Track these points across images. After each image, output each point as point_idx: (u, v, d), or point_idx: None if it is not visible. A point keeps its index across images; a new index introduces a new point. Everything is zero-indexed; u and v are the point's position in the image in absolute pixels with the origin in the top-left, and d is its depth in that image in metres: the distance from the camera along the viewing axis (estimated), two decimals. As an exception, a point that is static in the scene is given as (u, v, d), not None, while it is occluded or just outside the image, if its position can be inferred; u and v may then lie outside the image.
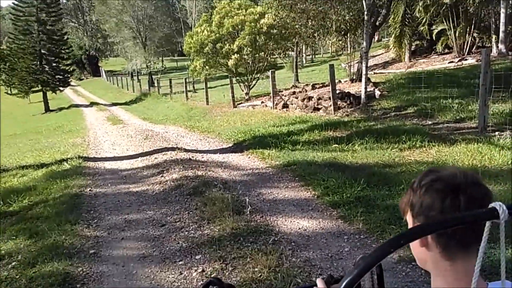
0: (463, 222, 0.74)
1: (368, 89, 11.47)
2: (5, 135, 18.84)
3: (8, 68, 35.62)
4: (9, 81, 35.15)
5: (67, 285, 3.46)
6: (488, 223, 0.67)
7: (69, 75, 33.79)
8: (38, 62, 30.37)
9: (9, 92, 36.68)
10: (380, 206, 4.50)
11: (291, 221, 4.49)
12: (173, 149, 8.89)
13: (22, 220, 5.15)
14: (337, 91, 11.56)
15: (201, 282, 3.40)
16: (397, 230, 3.89)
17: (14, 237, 4.59)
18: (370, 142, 7.36)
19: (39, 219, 5.06)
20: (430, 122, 8.65)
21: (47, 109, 30.37)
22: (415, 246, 0.93)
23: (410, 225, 0.97)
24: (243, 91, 18.91)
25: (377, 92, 11.91)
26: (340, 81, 15.36)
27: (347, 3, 13.76)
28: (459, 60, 15.64)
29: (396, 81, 13.04)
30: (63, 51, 32.55)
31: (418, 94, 10.36)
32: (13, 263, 3.92)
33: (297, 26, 15.87)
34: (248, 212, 4.68)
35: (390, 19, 17.04)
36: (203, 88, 19.79)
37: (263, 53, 18.10)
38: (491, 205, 0.68)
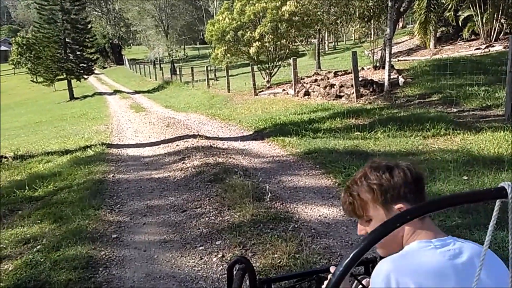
0: (473, 200, 0.77)
1: (391, 76, 11.26)
2: (31, 122, 19.29)
3: (33, 56, 36.36)
4: (34, 69, 35.88)
5: (90, 268, 3.53)
6: (498, 202, 0.68)
7: (93, 64, 34.22)
8: (63, 51, 30.81)
9: (34, 80, 37.44)
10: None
11: (311, 208, 4.47)
12: (194, 136, 8.94)
13: (47, 205, 5.26)
14: (360, 79, 11.39)
15: (221, 267, 3.43)
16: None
17: (39, 222, 4.70)
18: (393, 130, 7.24)
19: (63, 204, 5.17)
20: (455, 110, 8.46)
21: (72, 97, 30.88)
22: (382, 221, 0.98)
23: (375, 217, 1.13)
24: (264, 78, 18.83)
25: (401, 80, 11.69)
26: (363, 68, 15.13)
27: (371, -12, 13.49)
28: (486, 47, 15.20)
29: (420, 68, 12.76)
30: (87, 40, 32.93)
31: (443, 82, 10.13)
32: (38, 247, 4.01)
33: (319, 13, 15.67)
34: (268, 199, 4.68)
35: (415, 5, 16.63)
36: (225, 76, 19.79)
37: (284, 40, 17.93)
38: (501, 184, 0.69)
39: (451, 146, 6.16)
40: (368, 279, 1.44)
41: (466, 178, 4.70)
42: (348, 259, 0.76)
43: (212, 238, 3.95)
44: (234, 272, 1.45)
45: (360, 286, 1.40)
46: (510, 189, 0.70)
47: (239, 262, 1.53)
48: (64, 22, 30.56)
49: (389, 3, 11.15)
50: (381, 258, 1.16)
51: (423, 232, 1.11)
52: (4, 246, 4.11)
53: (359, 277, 1.43)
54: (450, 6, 16.64)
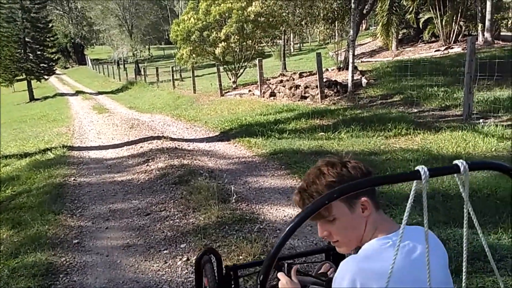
0: (394, 181, 0.90)
1: (355, 78, 11.47)
2: (-11, 125, 18.54)
3: (-9, 56, 35.02)
4: (-8, 69, 34.56)
5: (50, 275, 3.42)
6: (414, 183, 0.80)
7: (54, 64, 33.29)
8: (23, 50, 29.84)
9: (-8, 80, 36.02)
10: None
11: (276, 209, 4.49)
12: (159, 138, 8.83)
13: (5, 210, 5.08)
14: (324, 80, 11.54)
15: (186, 271, 3.40)
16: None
17: (-4, 228, 4.52)
18: (356, 130, 7.37)
19: (22, 209, 5.00)
20: (415, 110, 8.70)
21: (32, 98, 29.92)
22: (347, 219, 1.15)
23: (339, 215, 1.16)
24: (230, 79, 18.81)
25: (364, 81, 11.92)
26: (327, 70, 15.34)
27: (335, -9, 13.70)
28: (446, 49, 15.70)
29: (383, 69, 13.05)
30: (47, 39, 32.04)
31: (404, 82, 10.40)
32: (-5, 254, 3.87)
33: (284, 14, 15.78)
34: (233, 201, 4.67)
35: (378, 7, 17.03)
36: (190, 77, 19.63)
37: (250, 41, 17.97)
38: (416, 168, 0.81)
39: (412, 145, 6.32)
40: (327, 264, 1.50)
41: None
42: (284, 233, 0.86)
43: (176, 241, 3.91)
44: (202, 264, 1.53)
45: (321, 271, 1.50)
46: (423, 172, 0.82)
47: (207, 253, 1.60)
48: (24, 20, 29.64)
49: (352, 5, 11.35)
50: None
51: (381, 226, 1.16)
52: (-42, 254, 3.93)
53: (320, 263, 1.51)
54: (411, 9, 17.11)
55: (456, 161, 0.84)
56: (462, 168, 0.82)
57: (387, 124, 7.39)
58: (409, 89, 9.89)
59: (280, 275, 1.39)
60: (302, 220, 0.85)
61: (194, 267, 1.37)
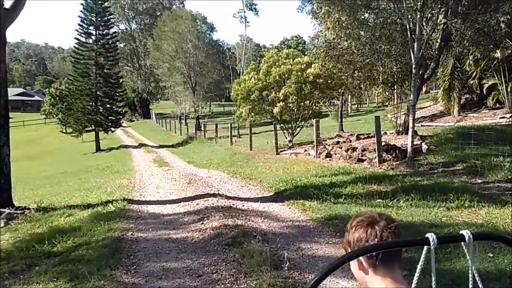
0: (405, 245, 1.04)
1: (414, 143, 11.22)
2: (57, 173, 19.70)
3: (65, 107, 37.81)
4: (65, 120, 37.22)
5: (102, 334, 3.46)
6: (425, 248, 0.92)
7: (121, 117, 35.21)
8: (94, 103, 31.92)
9: (64, 130, 38.69)
10: (425, 269, 4.28)
11: (330, 281, 4.34)
12: (214, 195, 8.95)
13: (65, 261, 5.26)
14: (383, 143, 11.39)
15: None
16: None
17: (55, 279, 4.68)
18: (416, 199, 7.12)
19: (81, 262, 5.16)
20: (480, 181, 8.30)
21: (98, 149, 31.60)
22: (356, 270, 1.37)
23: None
24: (286, 138, 19.01)
25: (424, 146, 11.63)
26: (385, 133, 15.16)
27: (395, 55, 13.73)
28: (511, 116, 15.12)
29: (444, 135, 12.70)
30: (117, 94, 34.11)
31: (468, 150, 10.02)
32: (52, 307, 3.98)
33: (343, 77, 15.97)
34: (286, 268, 4.58)
35: (439, 71, 16.86)
36: (248, 134, 20.06)
37: (308, 101, 18.27)
38: (426, 235, 0.93)
39: (475, 219, 5.99)
40: None
41: (491, 255, 4.53)
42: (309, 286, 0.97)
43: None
44: None
45: None
46: (432, 239, 0.95)
47: None
48: (97, 76, 31.89)
49: (413, 70, 11.32)
50: None
51: (387, 279, 1.31)
52: (19, 304, 4.09)
53: None
54: (474, 74, 16.80)
55: (462, 231, 0.97)
56: (467, 238, 0.96)
57: (449, 194, 7.09)
58: (472, 157, 9.50)
59: None
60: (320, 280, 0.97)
61: None
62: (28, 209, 8.53)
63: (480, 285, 0.89)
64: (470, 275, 0.92)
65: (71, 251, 5.71)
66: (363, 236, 1.34)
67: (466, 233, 0.97)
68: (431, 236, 0.94)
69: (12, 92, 74.37)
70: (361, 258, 1.32)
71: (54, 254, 5.68)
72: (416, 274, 0.95)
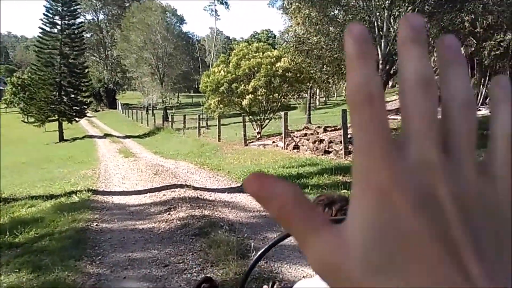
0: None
1: (380, 135, 11.49)
2: (18, 162, 19.10)
3: (27, 97, 36.71)
4: (27, 109, 36.14)
5: (65, 324, 3.41)
6: None
7: (86, 107, 34.54)
8: (57, 93, 31.15)
9: (25, 120, 37.55)
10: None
11: (295, 269, 4.41)
12: (182, 186, 8.90)
13: (27, 252, 5.14)
14: (349, 136, 11.60)
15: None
16: None
17: (17, 270, 4.57)
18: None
19: (43, 253, 5.06)
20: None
21: (61, 139, 30.85)
22: None
23: None
24: (255, 130, 19.08)
25: (389, 139, 11.92)
26: (352, 126, 15.42)
27: (363, 51, 13.97)
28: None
29: (408, 128, 13.02)
30: (82, 84, 33.42)
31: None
32: (14, 298, 3.89)
33: (312, 71, 16.13)
34: (252, 257, 4.62)
35: (405, 66, 17.26)
36: (216, 125, 20.00)
37: (277, 94, 18.37)
38: None
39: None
40: None
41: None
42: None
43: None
44: None
45: None
46: None
47: (206, 281, 1.73)
48: (62, 65, 31.13)
49: (380, 66, 11.56)
50: None
51: None
52: (-23, 295, 3.98)
53: None
54: (435, 69, 17.27)
55: None
56: None
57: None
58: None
59: None
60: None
61: None
62: (-13, 199, 8.27)
63: None
64: None
65: (34, 242, 5.59)
66: (320, 207, 1.42)
67: None
68: None
69: (-29, 80, 71.54)
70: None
71: (16, 245, 5.55)
72: None
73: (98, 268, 4.64)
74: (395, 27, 12.52)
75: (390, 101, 24.42)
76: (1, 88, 75.45)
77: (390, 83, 29.74)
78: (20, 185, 10.77)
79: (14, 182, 11.74)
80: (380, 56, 11.57)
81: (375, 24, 11.91)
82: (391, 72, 14.31)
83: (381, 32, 11.48)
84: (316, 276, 1.28)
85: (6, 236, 5.87)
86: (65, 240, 5.50)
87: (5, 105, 53.91)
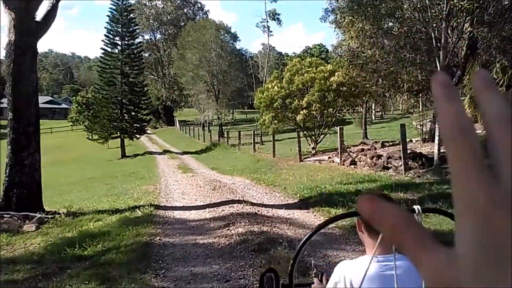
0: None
1: (441, 150, 11.08)
2: (84, 178, 20.11)
3: (91, 115, 38.67)
4: (91, 127, 38.04)
5: (134, 336, 3.54)
6: None
7: (145, 124, 35.78)
8: (119, 111, 32.54)
9: (90, 137, 39.52)
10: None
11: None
12: (239, 201, 9.02)
13: (95, 265, 5.39)
14: (408, 151, 11.29)
15: None
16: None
17: (87, 282, 4.80)
18: (444, 207, 7.03)
19: (111, 265, 5.28)
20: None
21: (124, 155, 32.12)
22: (359, 232, 1.83)
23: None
24: (309, 145, 18.99)
25: (451, 154, 11.46)
26: (411, 141, 15.01)
27: (420, 63, 13.61)
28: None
29: (472, 142, 12.48)
30: (142, 102, 34.71)
31: (497, 158, 9.84)
32: (85, 308, 4.09)
33: (367, 85, 15.90)
34: (313, 275, 4.58)
35: (465, 79, 16.62)
36: (271, 141, 20.11)
37: (331, 109, 18.24)
38: (413, 207, 1.39)
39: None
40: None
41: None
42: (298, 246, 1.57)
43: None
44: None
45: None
46: (417, 210, 1.40)
47: (269, 271, 2.07)
48: (123, 84, 32.53)
49: (439, 78, 11.19)
50: None
51: (378, 249, 1.67)
52: (53, 305, 4.22)
53: None
54: (502, 82, 16.47)
55: (414, 206, 1.44)
56: (416, 210, 1.42)
57: (477, 202, 6.97)
58: (501, 165, 9.33)
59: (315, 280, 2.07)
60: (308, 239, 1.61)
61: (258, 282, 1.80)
62: (58, 213, 8.76)
63: None
64: None
65: (101, 255, 5.85)
66: None
67: (416, 207, 1.46)
68: (417, 207, 1.45)
69: (41, 100, 75.85)
70: (359, 219, 1.84)
71: (85, 258, 5.83)
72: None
73: (162, 282, 4.79)
74: (453, 38, 12.15)
75: (450, 114, 23.52)
76: (67, 107, 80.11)
77: (450, 96, 28.64)
78: (87, 200, 11.34)
79: (82, 197, 12.38)
80: (438, 68, 11.23)
81: (432, 35, 11.59)
82: (452, 84, 13.81)
83: (438, 44, 11.16)
84: (359, 258, 1.73)
85: (76, 249, 6.19)
86: (130, 254, 5.72)
87: (71, 123, 57.08)
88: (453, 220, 0.74)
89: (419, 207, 1.48)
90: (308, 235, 1.62)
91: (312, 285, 2.12)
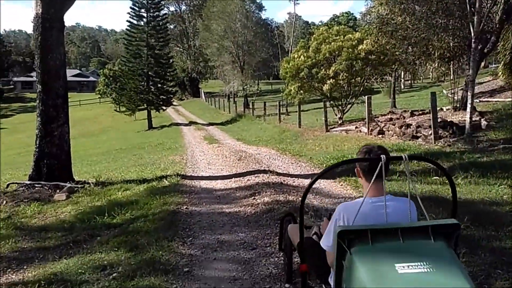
0: (355, 161, 2.38)
1: (473, 119, 10.74)
2: (112, 149, 20.49)
3: (118, 87, 39.15)
4: (118, 99, 38.59)
5: (162, 301, 3.59)
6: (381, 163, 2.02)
7: (171, 96, 36.01)
8: (145, 83, 32.80)
9: (118, 109, 40.05)
10: (485, 247, 4.13)
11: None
12: (265, 171, 8.99)
13: (124, 233, 5.48)
14: (439, 120, 10.97)
15: (290, 312, 3.35)
16: (504, 276, 3.53)
17: (116, 249, 4.89)
18: (475, 176, 6.83)
19: (139, 233, 5.36)
20: (546, 158, 7.84)
21: (150, 127, 32.56)
22: (358, 178, 2.45)
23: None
24: (336, 115, 18.73)
25: (484, 122, 11.10)
26: (442, 109, 14.58)
27: (452, 29, 13.06)
28: None
29: (505, 111, 12.06)
30: (168, 74, 34.84)
31: (532, 126, 9.48)
32: (114, 274, 4.16)
33: (397, 52, 15.41)
34: (325, 216, 4.55)
35: (500, 45, 15.91)
36: (296, 111, 19.93)
37: (359, 78, 17.84)
38: (402, 155, 2.04)
39: (541, 197, 5.68)
40: None
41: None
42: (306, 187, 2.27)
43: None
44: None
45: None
46: (404, 158, 1.99)
47: (288, 215, 3.55)
48: (149, 57, 32.65)
49: (473, 45, 10.74)
50: None
51: (372, 191, 2.25)
52: (83, 271, 4.31)
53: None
54: (537, 47, 15.73)
55: (402, 154, 1.93)
56: (404, 157, 1.92)
57: (511, 171, 6.74)
58: (537, 133, 8.99)
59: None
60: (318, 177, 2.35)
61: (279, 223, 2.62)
62: (88, 183, 8.94)
63: (415, 192, 2.12)
64: (408, 185, 2.39)
65: (130, 223, 5.95)
66: (361, 156, 2.37)
67: (404, 155, 1.99)
68: (404, 155, 2.06)
69: (69, 73, 77.42)
70: (358, 167, 2.44)
71: (114, 226, 5.94)
72: (384, 184, 2.17)
73: (190, 249, 4.83)
74: (488, 2, 11.55)
75: (483, 83, 22.72)
76: (95, 79, 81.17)
77: (483, 64, 27.61)
78: (115, 170, 11.53)
79: (110, 167, 12.61)
80: (472, 34, 10.74)
81: (466, 0, 11.03)
82: (485, 51, 13.26)
83: (472, 9, 10.63)
84: (356, 200, 2.42)
85: (105, 217, 6.31)
86: (158, 222, 5.79)
87: (99, 96, 57.99)
88: (435, 166, 2.06)
89: (406, 155, 2.02)
90: (311, 181, 2.33)
91: (322, 223, 2.79)
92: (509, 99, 15.48)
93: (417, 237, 1.95)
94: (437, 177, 7.08)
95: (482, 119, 11.40)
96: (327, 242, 2.36)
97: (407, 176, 2.17)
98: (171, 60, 36.38)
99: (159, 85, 33.83)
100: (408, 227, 2.00)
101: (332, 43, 17.62)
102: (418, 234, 1.96)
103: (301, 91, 18.80)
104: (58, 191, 8.35)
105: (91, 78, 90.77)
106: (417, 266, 1.78)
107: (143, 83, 32.76)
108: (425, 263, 1.79)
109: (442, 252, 1.88)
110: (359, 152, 2.37)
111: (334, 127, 16.70)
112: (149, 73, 32.95)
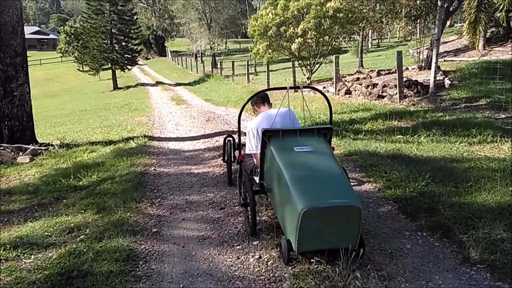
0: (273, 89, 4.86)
1: (437, 78, 10.95)
2: (76, 110, 19.97)
3: (80, 46, 37.70)
4: (81, 58, 37.19)
5: (131, 261, 3.60)
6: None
7: (137, 54, 34.99)
8: (109, 41, 31.68)
9: (81, 69, 38.72)
10: (445, 203, 4.31)
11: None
12: (234, 132, 8.98)
13: (91, 195, 5.43)
14: (404, 79, 11.14)
15: (258, 268, 3.44)
16: (463, 229, 3.72)
17: (83, 211, 4.86)
18: (437, 134, 7.04)
19: (106, 195, 5.32)
20: (503, 116, 8.14)
21: (115, 87, 31.74)
22: (254, 113, 4.70)
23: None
24: (305, 75, 18.72)
25: (447, 82, 11.35)
26: (407, 69, 14.79)
27: (420, -13, 13.08)
28: (541, 49, 14.51)
29: (468, 70, 12.33)
30: (132, 31, 33.71)
31: (492, 85, 9.76)
32: (81, 236, 4.15)
33: (364, 10, 15.36)
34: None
35: (465, 4, 16.07)
36: (265, 71, 19.79)
37: (327, 37, 17.75)
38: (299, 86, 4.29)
39: (498, 154, 5.93)
40: None
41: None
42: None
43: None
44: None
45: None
46: (300, 87, 4.20)
47: (229, 136, 5.43)
48: (111, 13, 31.39)
49: (439, 3, 10.80)
50: None
51: (265, 109, 4.41)
52: (49, 234, 4.27)
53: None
54: (502, 7, 15.94)
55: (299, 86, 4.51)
56: (301, 88, 4.13)
57: (471, 129, 6.98)
58: (497, 92, 9.27)
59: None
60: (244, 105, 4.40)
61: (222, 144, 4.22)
62: (52, 145, 8.73)
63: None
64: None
65: (96, 185, 5.88)
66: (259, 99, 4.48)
67: (300, 86, 4.06)
68: (288, 86, 4.04)
69: (28, 31, 73.89)
70: (254, 106, 4.55)
71: (80, 188, 5.87)
72: (280, 104, 4.22)
73: (158, 210, 4.85)
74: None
75: (448, 42, 23.07)
76: (56, 37, 77.77)
77: (448, 23, 27.92)
78: (80, 131, 11.29)
79: (75, 129, 12.32)
80: (439, -8, 10.78)
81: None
82: (450, 9, 13.38)
83: (440, -34, 10.63)
84: (259, 116, 4.34)
85: (71, 180, 6.22)
86: (125, 183, 5.75)
87: (61, 54, 55.63)
88: (325, 96, 4.55)
89: (301, 86, 3.83)
90: (242, 106, 4.26)
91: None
92: (472, 58, 15.82)
93: (308, 134, 3.62)
94: (400, 136, 7.26)
95: (445, 78, 11.64)
96: (250, 147, 4.19)
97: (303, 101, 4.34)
98: (135, 17, 35.08)
99: (123, 43, 32.77)
100: (302, 129, 3.70)
101: (301, 1, 17.35)
102: (308, 133, 3.64)
103: (270, 50, 18.58)
104: (21, 153, 8.14)
105: (52, 36, 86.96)
106: (305, 147, 3.45)
107: (106, 41, 31.61)
108: (310, 147, 3.46)
109: (320, 143, 3.55)
110: (257, 97, 4.48)
111: (302, 87, 16.70)
112: (113, 30, 31.79)
